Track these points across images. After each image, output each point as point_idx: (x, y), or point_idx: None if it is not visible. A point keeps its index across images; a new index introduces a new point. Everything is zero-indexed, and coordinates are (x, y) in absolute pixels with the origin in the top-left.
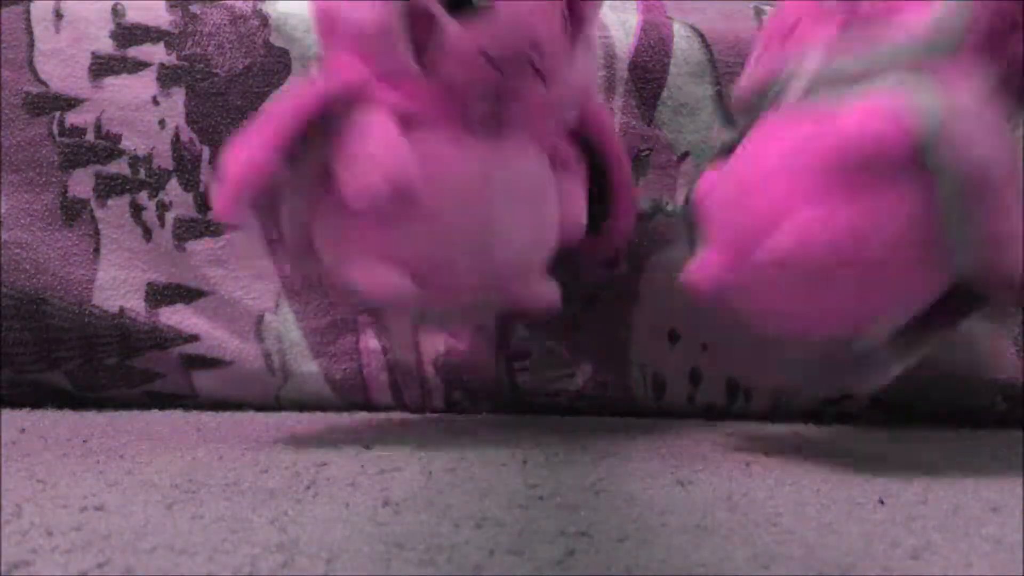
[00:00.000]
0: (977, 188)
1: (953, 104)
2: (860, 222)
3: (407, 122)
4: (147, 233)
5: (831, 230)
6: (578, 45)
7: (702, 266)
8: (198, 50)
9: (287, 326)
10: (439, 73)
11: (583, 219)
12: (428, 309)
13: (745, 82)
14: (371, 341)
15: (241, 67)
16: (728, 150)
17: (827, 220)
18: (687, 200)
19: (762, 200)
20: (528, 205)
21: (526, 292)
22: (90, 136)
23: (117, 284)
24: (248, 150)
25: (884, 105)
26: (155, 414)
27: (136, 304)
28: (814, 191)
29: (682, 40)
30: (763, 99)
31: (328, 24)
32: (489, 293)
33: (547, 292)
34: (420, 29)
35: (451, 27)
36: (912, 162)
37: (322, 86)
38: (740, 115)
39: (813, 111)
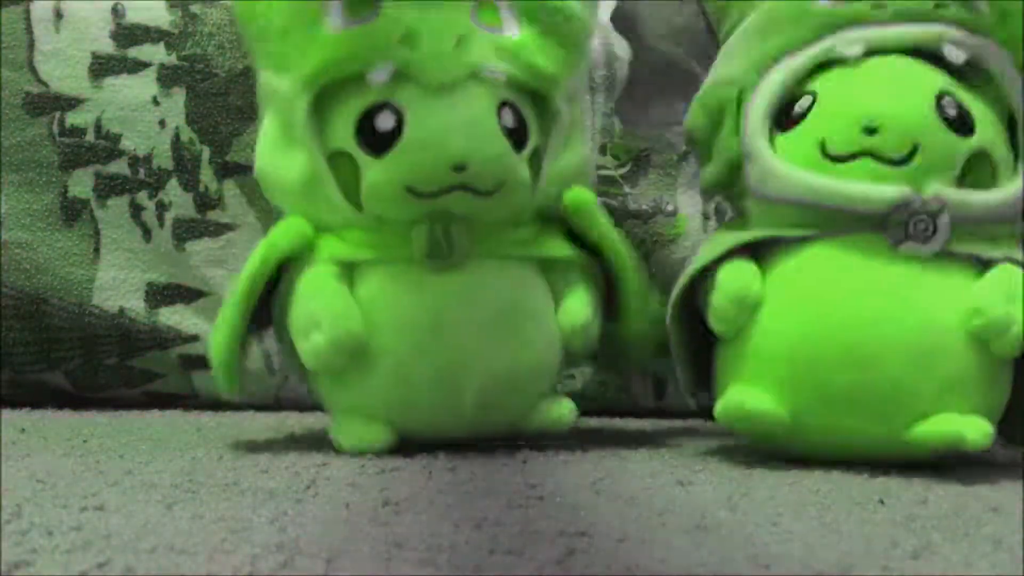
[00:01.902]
0: None
1: None
2: None
3: (354, 269)
4: (147, 233)
5: None
6: (554, 135)
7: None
8: (198, 50)
9: None
10: (372, 214)
11: (588, 325)
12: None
13: None
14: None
15: (241, 67)
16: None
17: None
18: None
19: None
20: (502, 328)
21: (532, 416)
22: (90, 136)
23: (117, 284)
24: (217, 335)
25: None
26: (155, 414)
27: (136, 304)
28: None
29: None
30: None
31: (263, 183)
32: (484, 425)
33: (555, 413)
34: (347, 172)
35: (370, 166)
36: None
37: (266, 253)
38: None
39: None
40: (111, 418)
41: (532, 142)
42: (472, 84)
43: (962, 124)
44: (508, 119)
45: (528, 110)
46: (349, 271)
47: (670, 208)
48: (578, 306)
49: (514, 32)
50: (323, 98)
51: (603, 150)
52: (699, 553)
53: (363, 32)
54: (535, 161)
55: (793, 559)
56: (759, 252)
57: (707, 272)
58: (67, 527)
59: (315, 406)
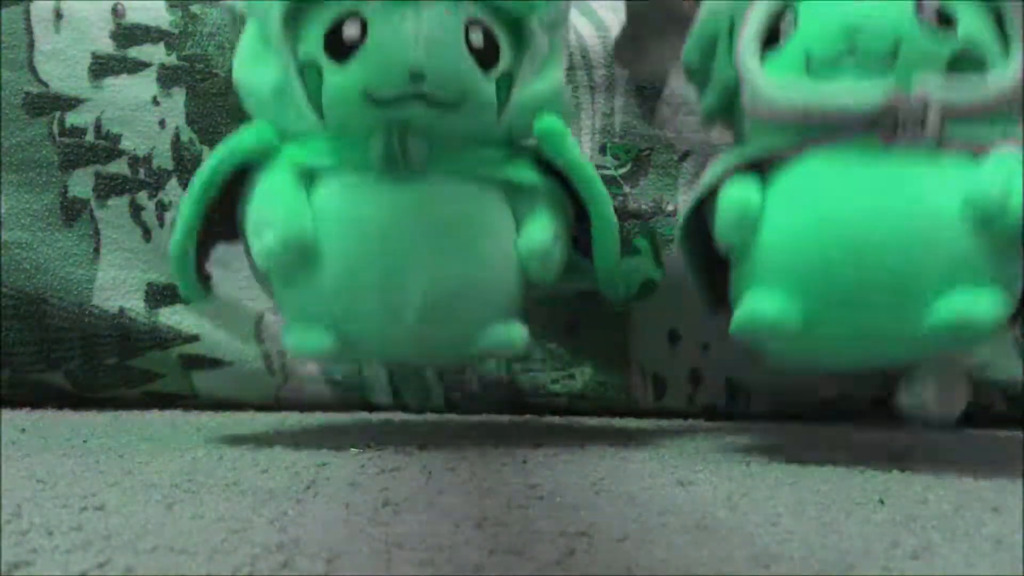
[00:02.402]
0: None
1: None
2: None
3: (314, 176)
4: (147, 233)
5: None
6: (526, 62)
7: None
8: (198, 50)
9: None
10: (332, 121)
11: (548, 252)
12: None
13: None
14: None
15: None
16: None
17: None
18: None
19: None
20: (453, 241)
21: (480, 337)
22: (90, 136)
23: (117, 284)
24: (174, 235)
25: None
26: (155, 414)
27: (136, 304)
28: None
29: None
30: None
31: (241, 94)
32: (429, 341)
33: (504, 335)
34: (315, 81)
35: (330, 72)
36: None
37: (224, 153)
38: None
39: None
40: (111, 418)
41: (502, 65)
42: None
43: (943, 20)
44: (476, 38)
45: (502, 33)
46: (309, 177)
47: (670, 208)
48: (538, 230)
49: None
50: (299, 9)
51: (603, 150)
52: (699, 553)
53: None
54: (505, 85)
55: (793, 559)
56: (761, 169)
57: (713, 195)
58: (67, 527)
59: (315, 406)
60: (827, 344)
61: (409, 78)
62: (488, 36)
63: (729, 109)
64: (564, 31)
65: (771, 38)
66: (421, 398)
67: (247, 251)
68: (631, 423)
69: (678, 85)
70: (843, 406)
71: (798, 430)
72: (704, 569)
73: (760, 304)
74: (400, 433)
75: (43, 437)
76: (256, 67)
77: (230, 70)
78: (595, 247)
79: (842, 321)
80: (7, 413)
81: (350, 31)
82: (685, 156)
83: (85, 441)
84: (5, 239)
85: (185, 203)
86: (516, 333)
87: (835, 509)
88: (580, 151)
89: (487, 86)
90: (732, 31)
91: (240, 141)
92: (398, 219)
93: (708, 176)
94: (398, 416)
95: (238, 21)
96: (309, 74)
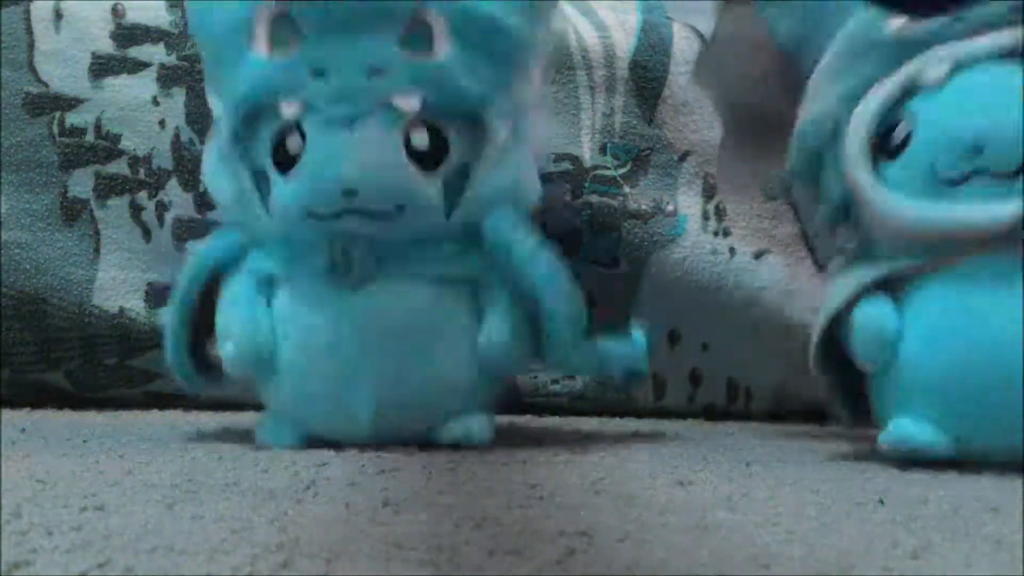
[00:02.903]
0: None
1: None
2: None
3: (273, 282)
4: (147, 233)
5: None
6: (485, 153)
7: None
8: (198, 50)
9: None
10: (281, 231)
11: (506, 346)
12: None
13: None
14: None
15: None
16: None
17: None
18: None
19: None
20: (399, 347)
21: (441, 432)
22: (90, 136)
23: (117, 284)
24: (167, 341)
25: None
26: (155, 414)
27: (136, 304)
28: None
29: (682, 40)
30: None
31: (211, 196)
32: (387, 437)
33: (463, 429)
34: (268, 191)
35: (277, 185)
36: None
37: (199, 267)
38: None
39: None
40: (111, 418)
41: (454, 158)
42: (380, 113)
43: None
44: (420, 139)
45: (457, 128)
46: (270, 283)
47: (670, 208)
48: (495, 325)
49: (445, 51)
50: (254, 118)
51: (603, 150)
52: (699, 553)
53: (280, 68)
54: (461, 178)
55: (793, 559)
56: (889, 283)
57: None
58: (67, 527)
59: None
60: (975, 459)
61: (342, 195)
62: (435, 134)
63: (846, 216)
64: (530, 114)
65: (880, 142)
66: None
67: None
68: (631, 423)
69: (679, 85)
70: None
71: (798, 430)
72: (704, 569)
73: (910, 430)
74: None
75: (43, 437)
76: (218, 174)
77: None
78: (548, 342)
79: (993, 444)
80: (7, 413)
81: (292, 144)
82: (685, 156)
83: (85, 441)
84: (5, 239)
85: (169, 312)
86: (475, 426)
87: (835, 509)
88: (530, 245)
89: (430, 189)
90: (835, 138)
91: (209, 252)
92: (345, 327)
93: (837, 295)
94: None
95: None
96: (263, 182)
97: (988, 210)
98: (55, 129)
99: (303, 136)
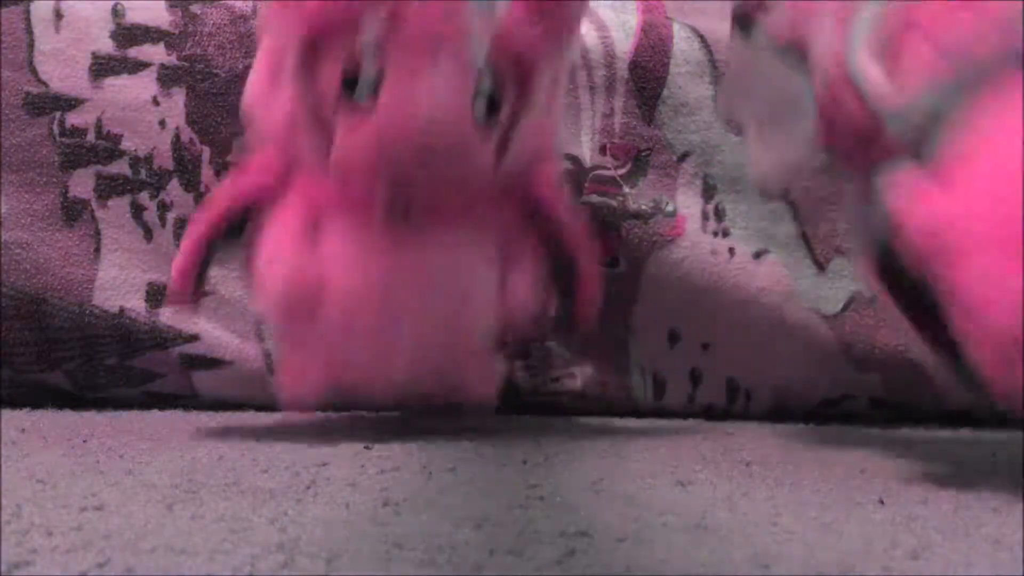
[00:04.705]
0: None
1: None
2: None
3: (319, 217)
4: (148, 233)
5: None
6: (524, 112)
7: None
8: (198, 50)
9: None
10: (340, 168)
11: (526, 303)
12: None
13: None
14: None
15: (241, 67)
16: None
17: None
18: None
19: None
20: (446, 298)
21: (459, 379)
22: (90, 136)
23: (117, 284)
24: (179, 255)
25: None
26: (155, 414)
27: (136, 304)
28: None
29: (682, 40)
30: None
31: (248, 119)
32: (410, 386)
33: (481, 381)
34: (329, 118)
35: (344, 127)
36: None
37: (236, 188)
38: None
39: None
40: (111, 418)
41: (503, 115)
42: (454, 60)
43: None
44: (481, 100)
45: (508, 79)
46: (316, 216)
47: (670, 208)
48: (520, 287)
49: (510, 5)
50: (316, 46)
51: (603, 150)
52: (699, 553)
53: None
54: (505, 133)
55: (793, 559)
56: None
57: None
58: (67, 527)
59: (315, 406)
60: None
61: (419, 137)
62: (490, 95)
63: None
64: (564, 76)
65: None
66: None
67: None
68: (631, 423)
69: (679, 86)
70: (843, 406)
71: (798, 430)
72: (704, 569)
73: None
74: (400, 433)
75: (43, 437)
76: (267, 97)
77: (230, 70)
78: (578, 301)
79: None
80: (7, 413)
81: (368, 78)
82: (685, 156)
83: (85, 441)
84: (5, 239)
85: (197, 223)
86: (493, 377)
87: (835, 509)
88: (571, 215)
89: (487, 150)
90: None
91: (252, 181)
92: (396, 274)
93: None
94: (398, 416)
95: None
96: (323, 110)
97: None
98: (55, 129)
99: (377, 70)
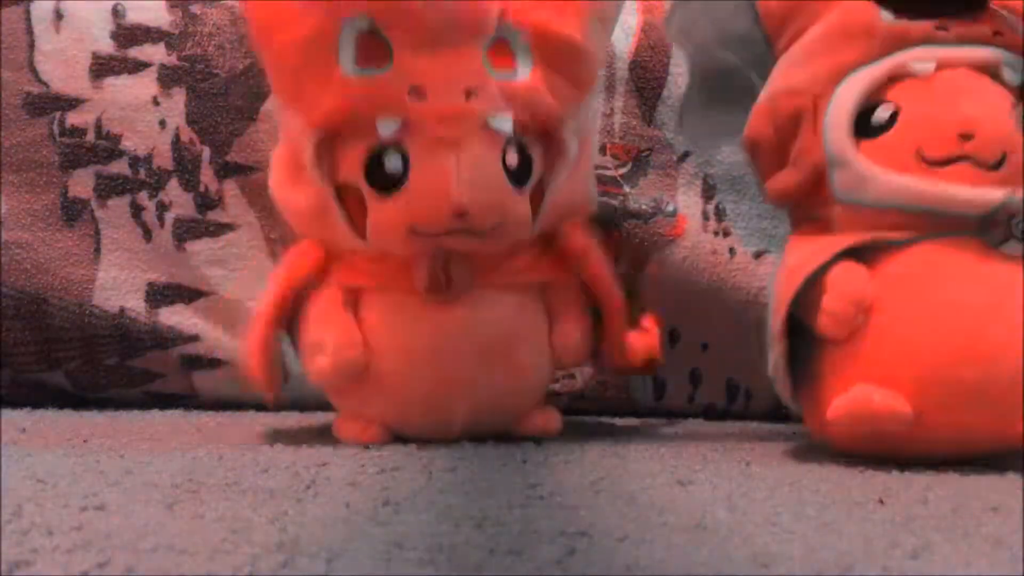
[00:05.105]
0: None
1: None
2: None
3: (359, 295)
4: (147, 233)
5: None
6: (559, 168)
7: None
8: (198, 50)
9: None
10: (376, 248)
11: (580, 346)
12: None
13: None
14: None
15: (241, 67)
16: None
17: None
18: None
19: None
20: (495, 356)
21: (519, 427)
22: (90, 136)
23: (117, 284)
24: (246, 352)
25: None
26: (155, 414)
27: (136, 304)
28: None
29: None
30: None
31: (279, 207)
32: (469, 433)
33: (541, 424)
34: (355, 203)
35: (376, 205)
36: None
37: (286, 285)
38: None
39: None
40: (111, 418)
41: (536, 174)
42: (480, 132)
43: None
44: (512, 158)
45: (535, 143)
46: (355, 295)
47: (670, 208)
48: (572, 331)
49: (526, 72)
50: (331, 142)
51: (603, 150)
52: (699, 553)
53: (373, 83)
54: (538, 190)
55: (793, 559)
56: (859, 257)
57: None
58: (67, 527)
59: (315, 406)
60: (933, 437)
61: (453, 216)
62: (523, 152)
63: (811, 191)
64: (588, 129)
65: (857, 122)
66: None
67: (294, 345)
68: (631, 423)
69: (679, 86)
70: None
71: (798, 430)
72: (704, 569)
73: (877, 393)
74: None
75: (43, 437)
76: (291, 186)
77: (230, 70)
78: (607, 349)
79: (955, 418)
80: (7, 413)
81: (392, 164)
82: (684, 156)
83: (85, 441)
84: (5, 239)
85: (258, 323)
86: (552, 421)
87: (835, 509)
88: (601, 265)
89: (523, 205)
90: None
91: (298, 269)
92: (444, 340)
93: (801, 261)
94: None
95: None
96: (348, 196)
97: (977, 192)
98: (55, 129)
99: (402, 155)
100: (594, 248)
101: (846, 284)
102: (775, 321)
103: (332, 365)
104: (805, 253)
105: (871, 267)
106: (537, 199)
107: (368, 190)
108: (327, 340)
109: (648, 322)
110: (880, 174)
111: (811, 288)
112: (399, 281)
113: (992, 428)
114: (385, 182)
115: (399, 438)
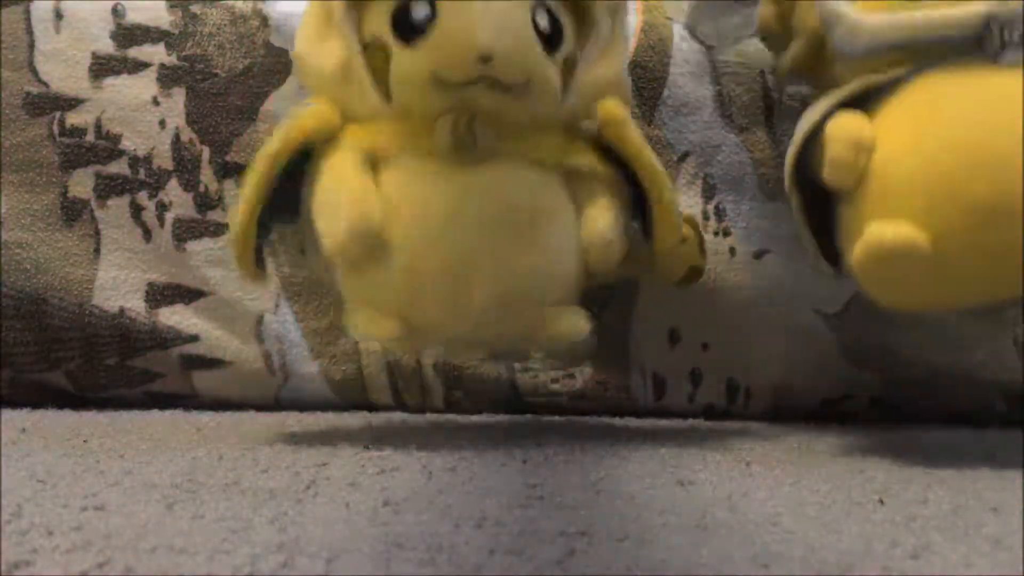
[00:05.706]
0: None
1: None
2: None
3: (378, 159)
4: (147, 233)
5: None
6: (590, 46)
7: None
8: (198, 50)
9: (287, 327)
10: (399, 103)
11: (608, 236)
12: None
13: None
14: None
15: (241, 67)
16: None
17: None
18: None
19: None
20: (518, 228)
21: (544, 326)
22: (90, 136)
23: (117, 284)
24: (237, 213)
25: None
26: (155, 414)
27: (136, 304)
28: None
29: (682, 40)
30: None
31: (299, 68)
32: (494, 329)
33: (566, 324)
34: (380, 62)
35: (398, 53)
36: None
37: (288, 132)
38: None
39: None
40: (111, 418)
41: (566, 48)
42: None
43: None
44: (542, 21)
45: (566, 17)
46: (373, 160)
47: None
48: (600, 218)
49: None
50: None
51: None
52: (699, 553)
53: None
54: (568, 70)
55: (793, 559)
56: (861, 107)
57: (811, 141)
58: (67, 527)
59: (315, 406)
60: (956, 267)
61: (478, 60)
62: (553, 19)
63: (815, 61)
64: (625, 16)
65: None
66: (421, 398)
67: (302, 230)
68: (631, 423)
69: (679, 86)
70: (843, 406)
71: (798, 430)
72: (704, 569)
73: (888, 228)
74: (400, 433)
75: (43, 437)
76: (318, 45)
77: (230, 70)
78: (656, 232)
79: (975, 238)
80: (7, 413)
81: (419, 12)
82: (685, 156)
83: (85, 441)
84: (5, 239)
85: (247, 184)
86: (581, 320)
87: (835, 509)
88: (640, 137)
89: (552, 69)
90: None
91: (303, 120)
92: (466, 207)
93: (805, 122)
94: (398, 416)
95: None
96: (373, 54)
97: (964, 9)
98: (55, 129)
99: (430, 4)
100: (631, 121)
101: (842, 130)
102: (785, 179)
103: (348, 226)
104: (810, 116)
105: (873, 112)
106: (568, 80)
107: (394, 40)
108: (342, 199)
109: (686, 230)
110: (870, 18)
111: (817, 148)
112: (421, 143)
113: (1015, 245)
114: (410, 31)
115: (411, 335)
